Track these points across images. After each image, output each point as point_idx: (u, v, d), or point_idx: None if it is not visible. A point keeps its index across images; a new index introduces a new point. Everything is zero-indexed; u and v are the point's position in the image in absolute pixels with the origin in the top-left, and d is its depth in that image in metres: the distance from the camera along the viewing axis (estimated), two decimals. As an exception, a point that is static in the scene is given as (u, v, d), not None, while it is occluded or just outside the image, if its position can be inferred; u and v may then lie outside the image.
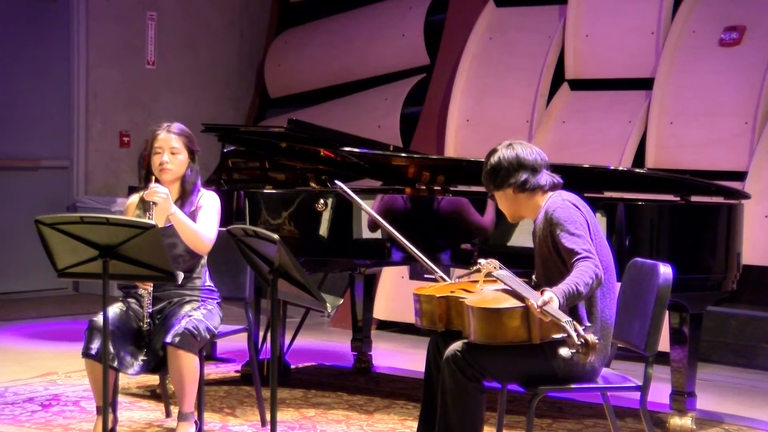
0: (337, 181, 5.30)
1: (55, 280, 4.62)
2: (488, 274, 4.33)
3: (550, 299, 3.90)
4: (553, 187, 4.34)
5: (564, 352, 4.05)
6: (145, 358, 4.76)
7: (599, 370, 4.26)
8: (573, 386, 4.22)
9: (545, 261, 4.29)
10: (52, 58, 9.72)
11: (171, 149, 4.89)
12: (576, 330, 3.84)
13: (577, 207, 4.25)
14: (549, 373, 4.17)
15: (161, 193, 4.73)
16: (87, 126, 9.88)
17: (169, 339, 4.63)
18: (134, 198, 5.02)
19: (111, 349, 4.61)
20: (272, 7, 11.05)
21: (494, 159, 4.36)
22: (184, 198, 4.92)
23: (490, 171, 4.36)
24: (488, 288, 4.29)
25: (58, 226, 4.21)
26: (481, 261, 4.37)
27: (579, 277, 4.02)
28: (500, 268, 4.32)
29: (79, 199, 9.70)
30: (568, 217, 4.19)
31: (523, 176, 4.29)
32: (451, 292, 4.36)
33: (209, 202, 4.94)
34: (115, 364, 4.66)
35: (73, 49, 9.80)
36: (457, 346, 4.17)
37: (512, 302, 4.03)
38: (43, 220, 4.22)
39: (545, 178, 4.33)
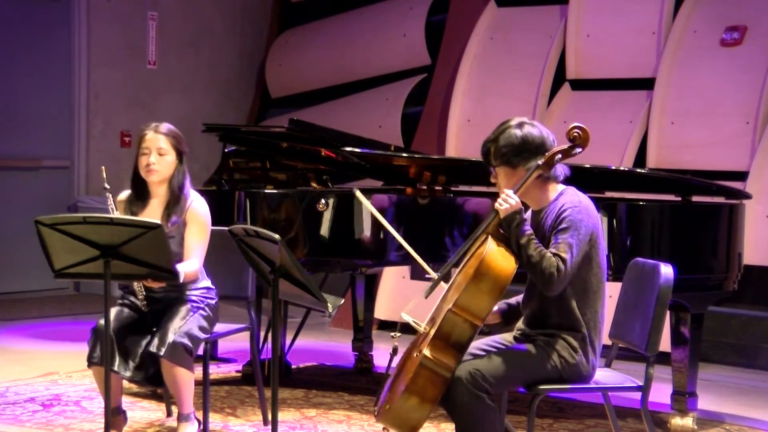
0: (356, 190, 5.10)
1: (57, 280, 4.60)
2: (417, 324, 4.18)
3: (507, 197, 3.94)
4: (563, 179, 4.21)
5: None
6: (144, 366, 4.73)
7: (593, 372, 4.20)
8: (574, 386, 4.21)
9: None
10: (52, 58, 9.72)
11: (158, 150, 4.82)
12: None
13: (590, 217, 4.09)
14: (553, 374, 4.15)
15: None
16: (88, 126, 9.88)
17: (162, 352, 4.60)
18: (123, 195, 4.95)
19: (117, 355, 4.61)
20: (273, 7, 11.05)
21: (518, 133, 4.09)
22: (174, 203, 4.84)
23: (517, 146, 4.08)
24: (444, 301, 4.13)
25: (58, 227, 4.19)
26: (407, 318, 4.22)
27: (540, 257, 3.92)
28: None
29: (80, 199, 9.70)
30: (580, 225, 4.01)
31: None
32: (415, 355, 4.10)
33: (197, 221, 4.82)
34: (128, 374, 4.65)
35: (74, 49, 9.80)
36: (467, 366, 4.03)
37: (480, 253, 3.96)
38: (43, 220, 4.20)
39: (559, 168, 4.19)
